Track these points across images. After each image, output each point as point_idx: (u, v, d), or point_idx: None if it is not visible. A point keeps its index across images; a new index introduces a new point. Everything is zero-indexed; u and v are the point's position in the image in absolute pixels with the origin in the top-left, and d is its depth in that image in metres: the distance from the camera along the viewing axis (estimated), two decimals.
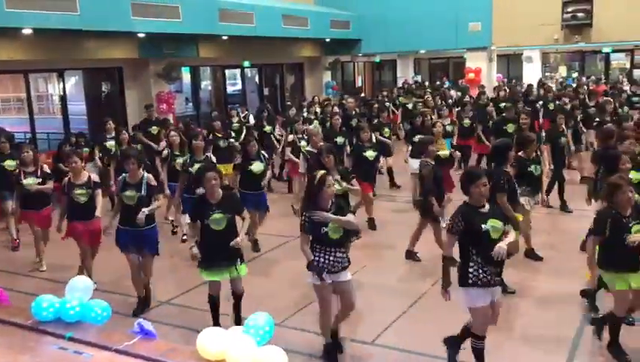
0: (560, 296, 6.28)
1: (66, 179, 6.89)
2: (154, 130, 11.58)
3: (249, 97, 20.45)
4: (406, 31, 20.69)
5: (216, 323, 5.42)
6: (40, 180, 7.73)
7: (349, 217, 4.93)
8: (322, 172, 5.03)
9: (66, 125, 14.68)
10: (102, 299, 4.18)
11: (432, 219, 7.25)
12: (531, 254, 7.37)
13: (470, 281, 4.43)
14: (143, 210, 5.99)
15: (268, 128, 12.55)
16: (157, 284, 6.72)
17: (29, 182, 7.66)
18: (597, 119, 11.75)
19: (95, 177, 6.97)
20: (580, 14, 19.27)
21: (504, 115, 11.84)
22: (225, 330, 3.39)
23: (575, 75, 23.82)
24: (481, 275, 4.40)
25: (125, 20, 12.30)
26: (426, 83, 24.18)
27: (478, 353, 4.63)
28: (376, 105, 14.93)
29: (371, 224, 8.99)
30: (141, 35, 13.83)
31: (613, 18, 18.43)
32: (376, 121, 12.02)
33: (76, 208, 6.77)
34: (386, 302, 6.34)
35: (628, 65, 24.53)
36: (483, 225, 4.38)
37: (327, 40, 21.30)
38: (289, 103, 16.61)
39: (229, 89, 20.69)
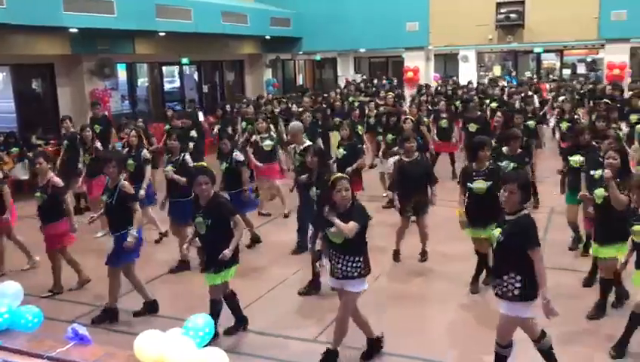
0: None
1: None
2: (96, 128, 11.18)
3: (188, 95, 20.09)
4: (345, 30, 20.85)
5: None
6: None
7: (349, 225, 4.61)
8: (337, 175, 4.93)
9: None
10: (34, 304, 4.00)
11: (401, 214, 7.23)
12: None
13: None
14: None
15: (215, 128, 12.33)
16: (93, 287, 6.54)
17: None
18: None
19: (56, 181, 6.64)
20: (512, 15, 19.91)
21: (466, 114, 11.82)
22: (162, 333, 3.31)
23: (528, 73, 24.69)
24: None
25: (56, 14, 11.82)
26: (375, 81, 24.49)
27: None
28: (337, 103, 14.91)
29: None
30: (73, 30, 13.34)
31: (543, 19, 19.16)
32: (348, 120, 11.91)
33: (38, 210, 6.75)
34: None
35: (558, 65, 25.66)
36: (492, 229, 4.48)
37: (268, 37, 21.19)
38: (245, 101, 16.33)
39: (167, 86, 20.26)
